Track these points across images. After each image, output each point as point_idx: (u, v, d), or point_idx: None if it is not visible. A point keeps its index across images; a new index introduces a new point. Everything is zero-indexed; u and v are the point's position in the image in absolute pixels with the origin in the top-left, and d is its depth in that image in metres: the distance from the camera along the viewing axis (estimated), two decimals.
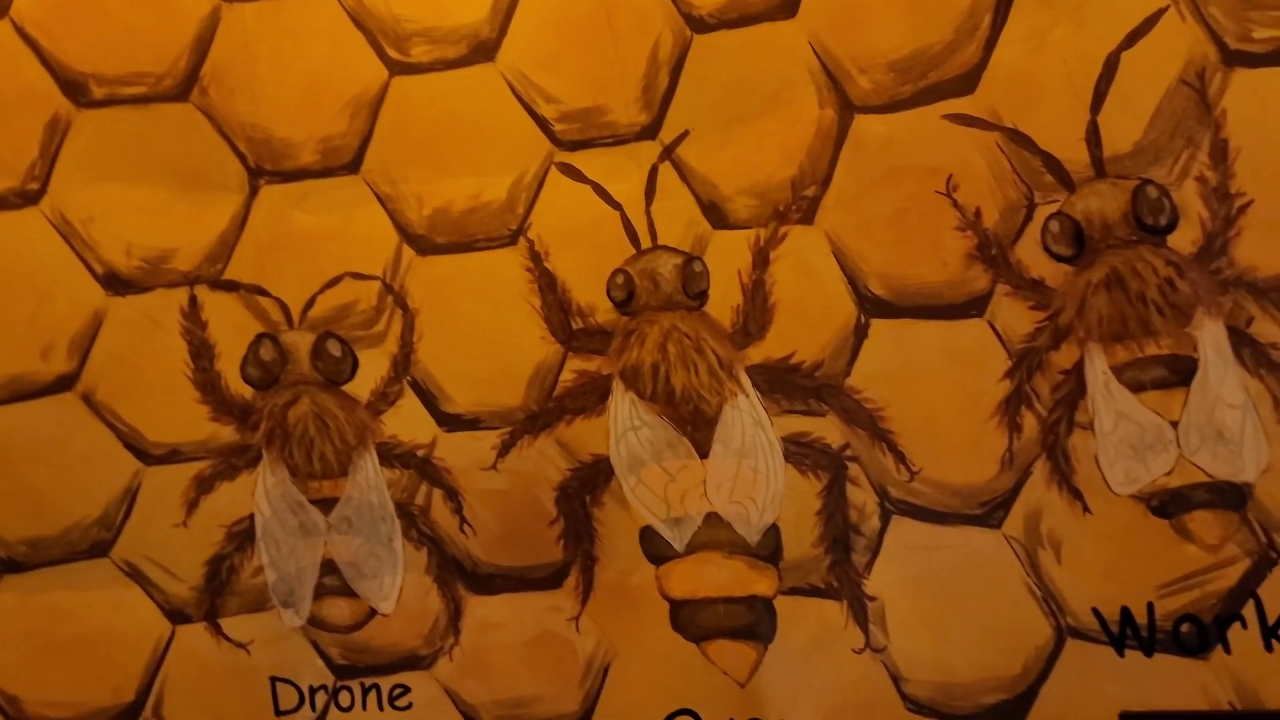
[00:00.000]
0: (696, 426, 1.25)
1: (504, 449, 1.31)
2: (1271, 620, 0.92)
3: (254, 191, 1.37)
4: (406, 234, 1.33)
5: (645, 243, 1.28)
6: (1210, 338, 0.91)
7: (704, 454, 1.24)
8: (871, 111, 1.13)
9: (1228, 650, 0.96)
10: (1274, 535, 0.93)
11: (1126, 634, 0.98)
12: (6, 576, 1.31)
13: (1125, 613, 0.99)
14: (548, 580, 1.30)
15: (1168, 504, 0.97)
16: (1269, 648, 0.93)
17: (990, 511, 1.09)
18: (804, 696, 1.22)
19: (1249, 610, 0.93)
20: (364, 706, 1.34)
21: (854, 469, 1.18)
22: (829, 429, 1.19)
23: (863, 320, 1.14)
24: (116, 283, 1.34)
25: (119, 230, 1.34)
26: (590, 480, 1.29)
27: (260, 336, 1.35)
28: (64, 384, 1.32)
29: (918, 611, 1.14)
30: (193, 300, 1.35)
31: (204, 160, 1.34)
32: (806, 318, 1.17)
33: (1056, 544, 1.04)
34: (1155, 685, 0.99)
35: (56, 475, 1.31)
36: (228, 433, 1.33)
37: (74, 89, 1.34)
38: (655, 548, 1.27)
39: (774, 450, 1.21)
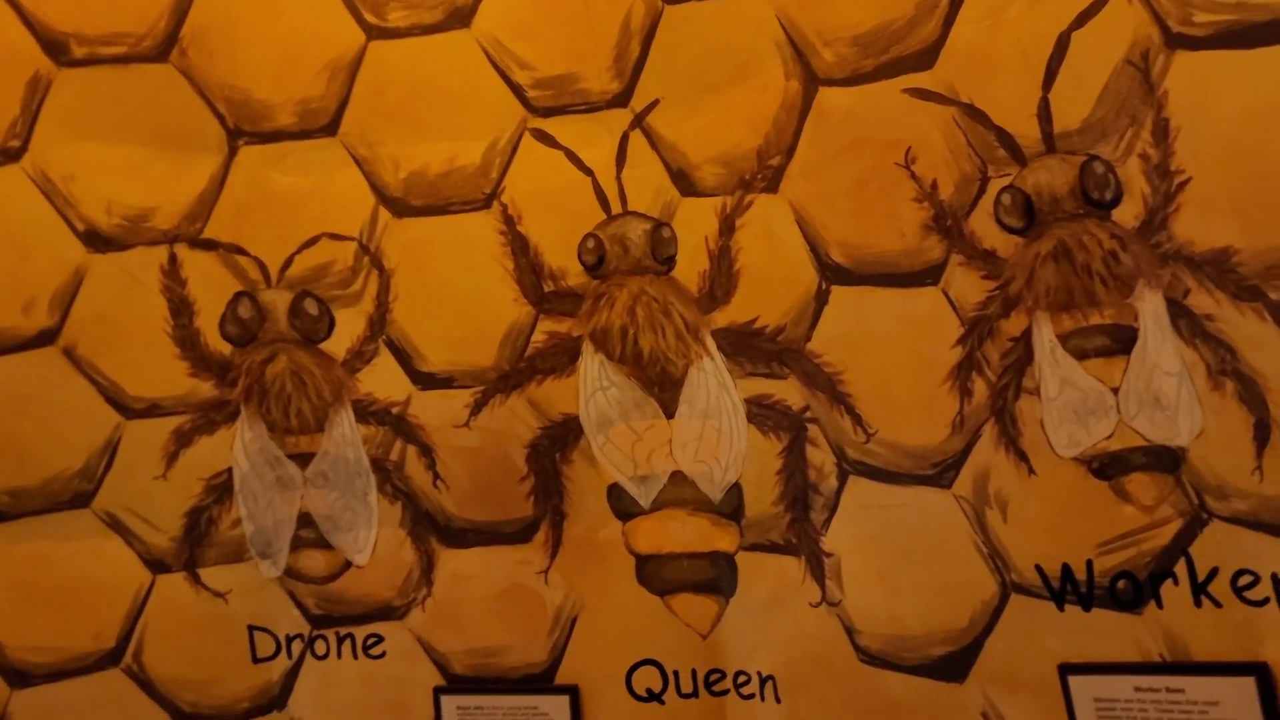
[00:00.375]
0: (663, 387, 1.29)
1: (476, 407, 1.36)
2: (1201, 577, 0.97)
3: (233, 152, 1.40)
4: (383, 196, 1.36)
5: (616, 208, 1.31)
6: (1150, 308, 0.96)
7: (670, 414, 1.29)
8: (835, 84, 1.16)
9: (1160, 605, 1.01)
10: (1205, 497, 0.99)
11: (1067, 590, 1.04)
12: None
13: (1066, 570, 1.05)
14: (518, 535, 1.35)
15: (1107, 466, 1.03)
16: (1198, 603, 0.98)
17: (941, 472, 1.14)
18: (763, 648, 1.28)
19: (1180, 568, 0.98)
20: (339, 655, 1.39)
21: (813, 430, 1.23)
22: (790, 391, 1.24)
23: (824, 287, 1.19)
24: (97, 240, 1.38)
25: (99, 188, 1.37)
26: (560, 438, 1.33)
27: (239, 295, 1.38)
28: (45, 339, 1.35)
29: (872, 567, 1.19)
30: (172, 258, 1.38)
31: (183, 120, 1.37)
32: (770, 284, 1.22)
33: (1003, 503, 1.09)
34: (1092, 638, 1.05)
35: (38, 428, 1.35)
36: (207, 388, 1.37)
37: (55, 48, 1.36)
38: (622, 504, 1.32)
39: (737, 411, 1.26)
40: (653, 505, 1.33)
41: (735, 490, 1.29)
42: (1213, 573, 1.00)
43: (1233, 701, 0.99)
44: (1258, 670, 0.97)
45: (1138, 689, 1.04)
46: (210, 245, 1.38)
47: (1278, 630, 0.97)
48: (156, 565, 1.38)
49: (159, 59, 1.38)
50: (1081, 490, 1.06)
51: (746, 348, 1.25)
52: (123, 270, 1.36)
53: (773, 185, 1.21)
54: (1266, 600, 0.97)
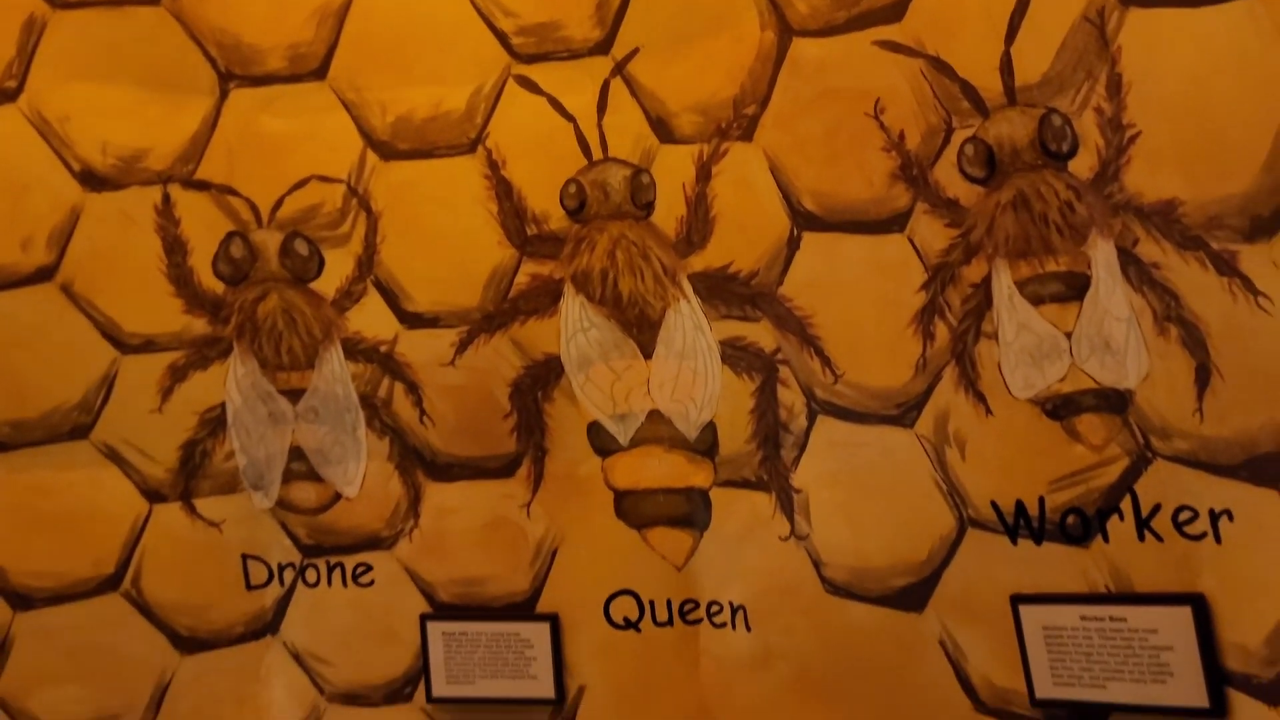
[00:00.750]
0: (641, 329, 1.34)
1: (462, 346, 1.41)
2: (1145, 513, 1.03)
3: (224, 95, 1.44)
4: (370, 140, 1.40)
5: (597, 154, 1.36)
6: (1102, 256, 1.01)
7: (648, 355, 1.34)
8: (808, 35, 1.20)
9: (1106, 540, 1.07)
10: (1150, 437, 1.04)
11: (1020, 525, 1.10)
12: None
13: (1019, 506, 1.11)
14: (501, 469, 1.41)
15: (1060, 407, 1.08)
16: (1141, 537, 1.04)
17: (904, 412, 1.19)
18: (734, 579, 1.34)
19: (1126, 504, 1.04)
20: (329, 583, 1.45)
21: (784, 371, 1.28)
22: (762, 334, 1.29)
23: (795, 233, 1.24)
24: (93, 180, 1.42)
25: (94, 129, 1.41)
26: (542, 377, 1.39)
27: (231, 234, 1.43)
28: (44, 275, 1.40)
29: (838, 503, 1.25)
30: (166, 198, 1.42)
31: (176, 63, 1.41)
32: (744, 230, 1.26)
33: (961, 443, 1.15)
34: (1043, 570, 1.11)
35: (37, 361, 1.40)
36: (200, 325, 1.42)
37: None
38: (601, 441, 1.38)
39: (712, 353, 1.31)
40: (631, 442, 1.38)
41: (710, 428, 1.35)
42: (1155, 509, 1.05)
43: (1170, 629, 1.05)
44: (1194, 600, 1.03)
45: (1083, 618, 1.10)
46: (203, 186, 1.42)
47: (1214, 563, 1.03)
48: (153, 495, 1.44)
49: (152, 2, 1.41)
50: (1035, 430, 1.11)
51: (721, 291, 1.30)
52: (118, 210, 1.41)
53: (747, 134, 1.25)
54: (1204, 535, 1.03)
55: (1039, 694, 1.13)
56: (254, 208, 1.42)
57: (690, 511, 1.37)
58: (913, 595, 1.22)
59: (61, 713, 1.41)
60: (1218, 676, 1.03)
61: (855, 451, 1.24)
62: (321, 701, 1.45)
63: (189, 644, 1.44)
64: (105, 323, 1.41)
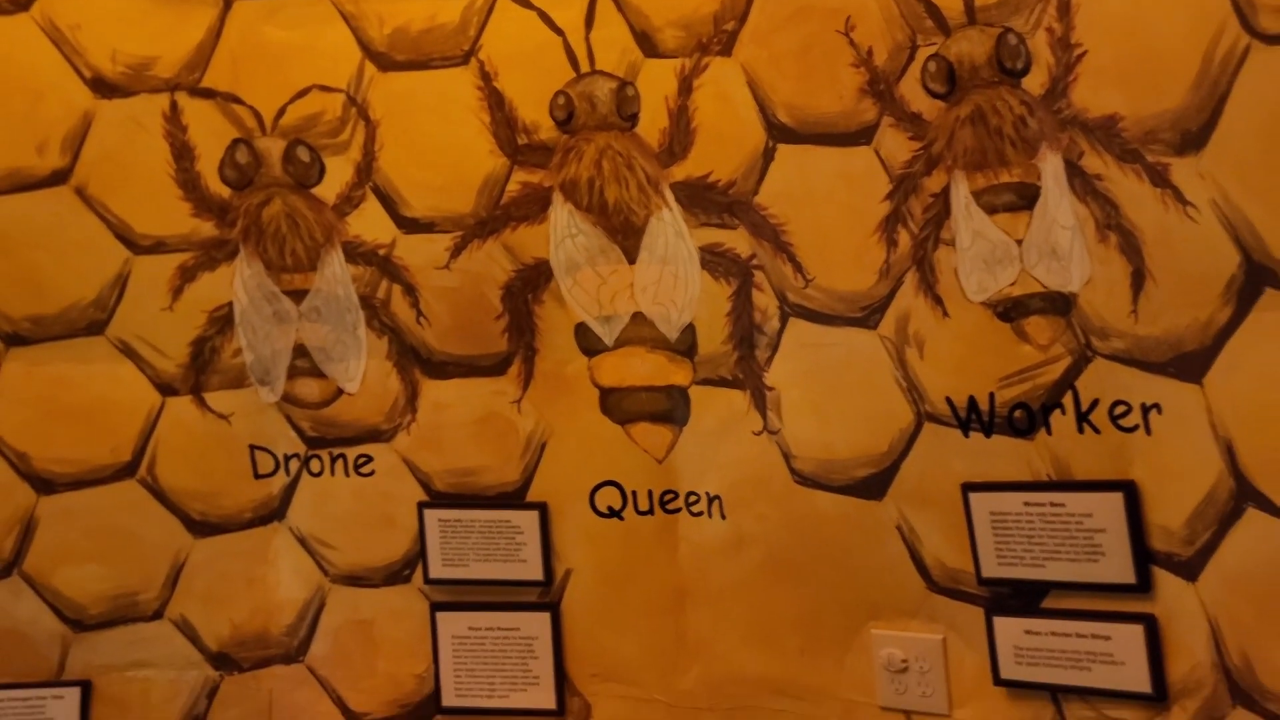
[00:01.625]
0: (626, 235, 1.43)
1: (456, 250, 1.49)
2: (1084, 408, 1.14)
3: (228, 6, 1.51)
4: (369, 51, 1.48)
5: (585, 68, 1.43)
6: (1051, 169, 1.10)
7: (632, 260, 1.43)
8: None
9: (1049, 432, 1.18)
10: (1090, 337, 1.14)
11: (972, 419, 1.20)
12: (13, 349, 1.51)
13: (971, 401, 1.21)
14: (494, 368, 1.51)
15: (1010, 310, 1.18)
16: (1080, 430, 1.15)
17: (869, 315, 1.29)
18: (711, 471, 1.45)
19: (1068, 399, 1.14)
20: (332, 473, 1.56)
21: (759, 276, 1.37)
22: (739, 241, 1.38)
23: (770, 145, 1.32)
24: (103, 87, 1.49)
25: (105, 37, 1.48)
26: (532, 280, 1.48)
27: (236, 141, 1.51)
28: (58, 178, 1.49)
29: (807, 400, 1.35)
30: (173, 106, 1.50)
31: None
32: (723, 141, 1.35)
33: (920, 343, 1.24)
34: (992, 461, 1.21)
35: (54, 260, 1.49)
36: (208, 228, 1.51)
37: None
38: (588, 342, 1.47)
39: (692, 258, 1.40)
40: (615, 343, 1.48)
41: (689, 330, 1.44)
42: (1094, 404, 1.15)
43: (1104, 513, 1.16)
44: (1126, 487, 1.14)
45: (1026, 504, 1.21)
46: (208, 94, 1.50)
47: (1144, 453, 1.13)
48: (165, 389, 1.54)
49: None
50: (987, 331, 1.21)
51: (701, 200, 1.39)
52: (128, 116, 1.48)
53: (727, 49, 1.32)
54: (1136, 427, 1.13)
55: (985, 573, 1.24)
56: (258, 116, 1.50)
57: (670, 408, 1.47)
58: (874, 485, 1.32)
59: (84, 589, 1.53)
60: (1144, 556, 1.14)
61: (823, 352, 1.34)
62: (326, 582, 1.57)
63: (201, 528, 1.55)
64: (118, 224, 1.50)
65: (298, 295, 1.52)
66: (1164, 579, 1.13)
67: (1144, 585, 1.14)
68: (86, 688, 1.52)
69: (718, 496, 1.44)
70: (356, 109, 1.48)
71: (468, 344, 1.51)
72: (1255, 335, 1.00)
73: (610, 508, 1.49)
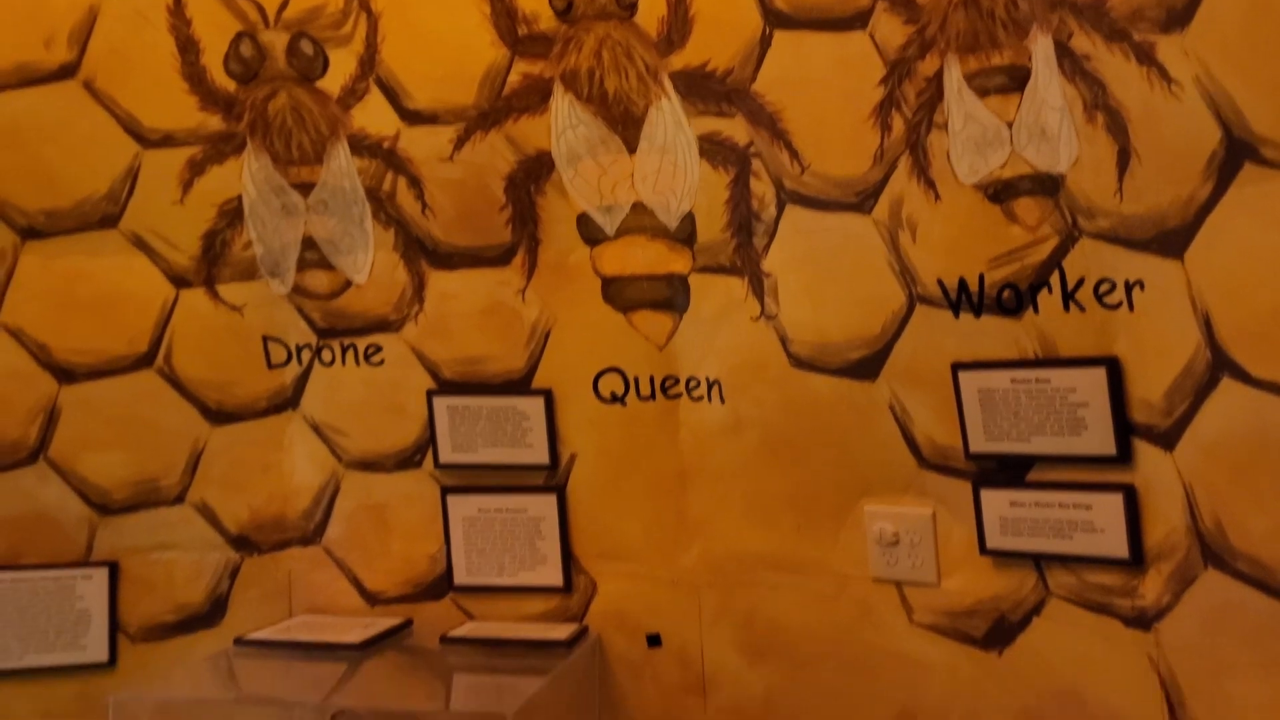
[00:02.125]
0: (626, 126, 1.46)
1: (459, 142, 1.52)
2: (1070, 286, 1.17)
3: None
4: None
5: None
6: (1041, 50, 1.12)
7: (632, 150, 1.46)
8: None
9: (1036, 311, 1.21)
10: (1077, 217, 1.17)
11: (962, 300, 1.23)
12: (29, 242, 1.54)
13: (962, 283, 1.24)
14: (498, 258, 1.54)
15: (1000, 192, 1.21)
16: (1066, 308, 1.18)
17: (863, 200, 1.32)
18: (710, 356, 1.49)
19: (1054, 279, 1.18)
20: (343, 362, 1.61)
21: (756, 164, 1.40)
22: (736, 129, 1.40)
23: (767, 31, 1.34)
24: None
25: None
26: (534, 171, 1.51)
27: (240, 35, 1.53)
28: (66, 72, 1.51)
29: (803, 285, 1.39)
30: None
31: None
32: (720, 28, 1.36)
33: (913, 226, 1.28)
34: (981, 340, 1.25)
35: (65, 154, 1.53)
36: (215, 122, 1.54)
37: None
38: (590, 231, 1.51)
39: (691, 147, 1.43)
40: (617, 232, 1.51)
41: (688, 219, 1.47)
42: (1079, 282, 1.19)
43: (1086, 387, 1.20)
44: (1109, 362, 1.18)
45: (1013, 380, 1.25)
46: None
47: (1127, 329, 1.17)
48: (179, 281, 1.58)
49: None
50: (978, 213, 1.24)
51: (699, 89, 1.41)
52: (133, 9, 1.50)
53: None
54: (1119, 304, 1.17)
55: (973, 448, 1.29)
56: (261, 9, 1.51)
57: (671, 296, 1.51)
58: (867, 366, 1.37)
59: (107, 475, 1.59)
60: (1125, 428, 1.18)
61: (819, 237, 1.37)
62: (340, 468, 1.63)
63: (218, 416, 1.61)
64: (126, 118, 1.52)
65: (305, 188, 1.55)
66: (1143, 450, 1.17)
67: (1124, 456, 1.18)
68: (114, 568, 1.59)
69: (717, 381, 1.48)
70: (358, 1, 1.49)
71: (472, 235, 1.55)
72: (1234, 210, 1.04)
73: (613, 393, 1.54)
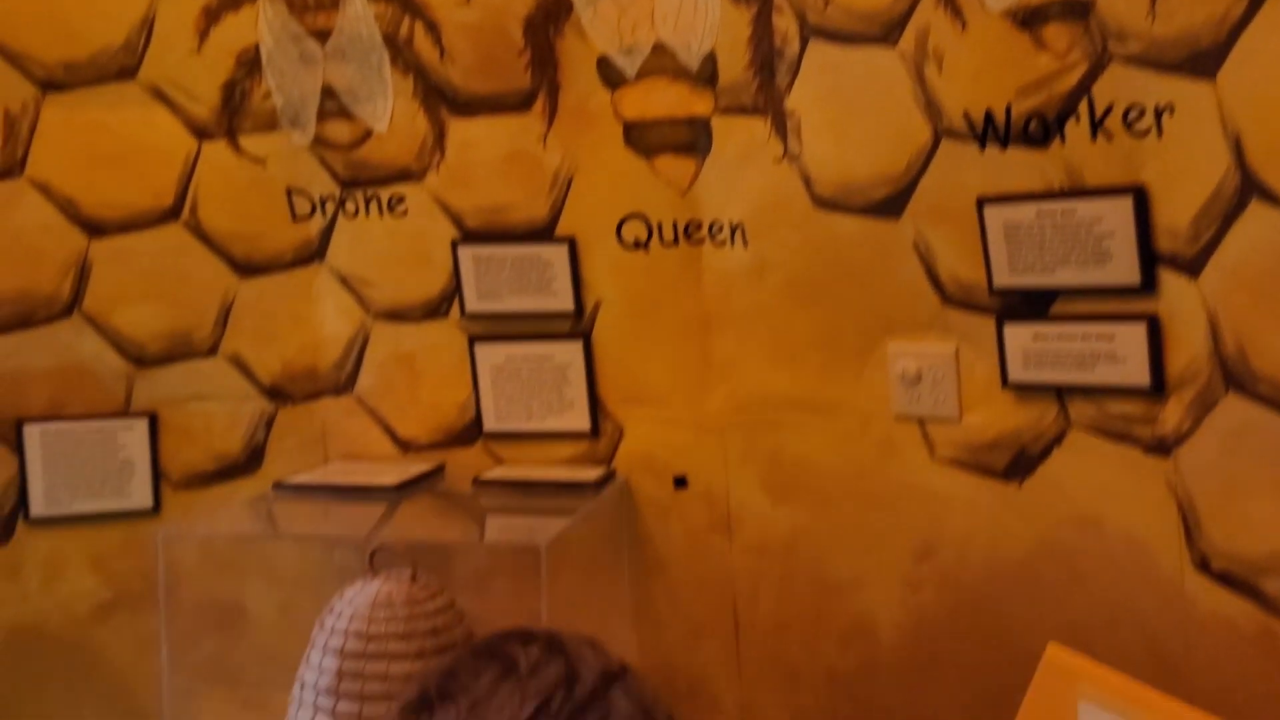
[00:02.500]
0: None
1: None
2: (1099, 114, 1.15)
3: None
4: None
5: None
6: None
7: None
8: None
9: (1063, 141, 1.20)
10: (1108, 41, 1.15)
11: (988, 132, 1.22)
12: (50, 95, 1.54)
13: (988, 115, 1.23)
14: (518, 104, 1.53)
15: (1029, 17, 1.18)
16: (1094, 137, 1.17)
17: (889, 32, 1.29)
18: (733, 199, 1.49)
19: (1082, 106, 1.16)
20: (367, 213, 1.61)
21: None
22: None
23: None
24: None
25: None
26: (553, 13, 1.49)
27: None
28: None
29: (827, 122, 1.38)
30: None
31: None
32: None
33: (939, 57, 1.25)
34: (1006, 174, 1.24)
35: (80, 3, 1.51)
36: None
37: None
38: (610, 75, 1.49)
39: None
40: (637, 75, 1.49)
41: (710, 59, 1.45)
42: (1108, 109, 1.17)
43: (1112, 217, 1.19)
44: (1135, 191, 1.17)
45: (1039, 213, 1.25)
46: None
47: (1155, 156, 1.15)
48: (201, 133, 1.58)
49: None
50: (1006, 41, 1.22)
51: None
52: None
53: None
54: (1148, 131, 1.15)
55: (997, 283, 1.30)
56: None
57: (693, 139, 1.50)
58: (892, 204, 1.36)
59: (141, 327, 1.61)
60: (1150, 257, 1.18)
61: (843, 72, 1.35)
62: (368, 319, 1.65)
63: (246, 269, 1.63)
64: None
65: (321, 35, 1.54)
66: (1167, 278, 1.17)
67: (1148, 286, 1.18)
68: (153, 419, 1.63)
69: (740, 224, 1.48)
70: None
71: (491, 81, 1.53)
72: (1269, 26, 1.01)
73: (636, 240, 1.54)
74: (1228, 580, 1.12)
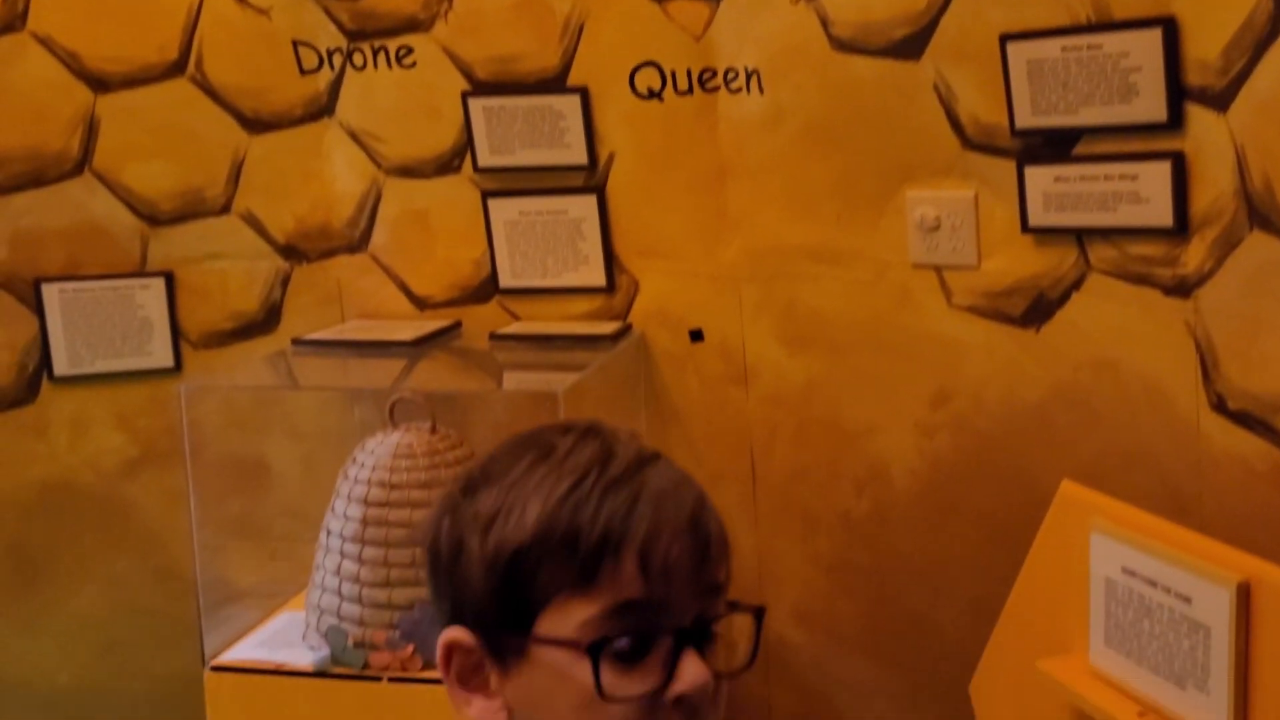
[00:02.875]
0: None
1: None
2: None
3: None
4: None
5: None
6: None
7: None
8: None
9: None
10: None
11: None
12: None
13: None
14: None
15: None
16: None
17: None
18: (749, 45, 1.45)
19: None
20: (375, 66, 1.58)
21: None
22: None
23: None
24: None
25: None
26: None
27: None
28: None
29: None
30: None
31: None
32: None
33: None
34: (1031, 8, 1.21)
35: None
36: None
37: None
38: None
39: None
40: None
41: None
42: None
43: (1141, 50, 1.16)
44: (1165, 22, 1.13)
45: (1064, 48, 1.21)
46: None
47: None
48: None
49: None
50: None
51: None
52: None
53: None
54: None
55: (1019, 124, 1.27)
56: None
57: None
58: (911, 44, 1.32)
59: (152, 185, 1.61)
60: (1178, 92, 1.14)
61: None
62: (380, 175, 1.63)
63: (255, 125, 1.61)
64: None
65: None
66: (1195, 114, 1.14)
67: (1175, 122, 1.15)
68: (169, 278, 1.63)
69: (756, 70, 1.44)
70: None
71: None
72: None
73: (650, 89, 1.51)
74: (1243, 419, 1.12)
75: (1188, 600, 0.90)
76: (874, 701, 1.49)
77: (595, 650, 0.49)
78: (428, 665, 1.25)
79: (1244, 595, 0.86)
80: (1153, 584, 0.94)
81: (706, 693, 0.51)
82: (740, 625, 0.54)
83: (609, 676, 0.50)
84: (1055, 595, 1.06)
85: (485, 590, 0.51)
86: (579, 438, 0.53)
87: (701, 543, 0.52)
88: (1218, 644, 0.87)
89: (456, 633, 0.53)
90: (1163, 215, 1.17)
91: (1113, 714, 0.96)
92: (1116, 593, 0.97)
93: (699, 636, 0.51)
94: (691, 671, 0.50)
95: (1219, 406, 1.15)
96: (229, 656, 1.33)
